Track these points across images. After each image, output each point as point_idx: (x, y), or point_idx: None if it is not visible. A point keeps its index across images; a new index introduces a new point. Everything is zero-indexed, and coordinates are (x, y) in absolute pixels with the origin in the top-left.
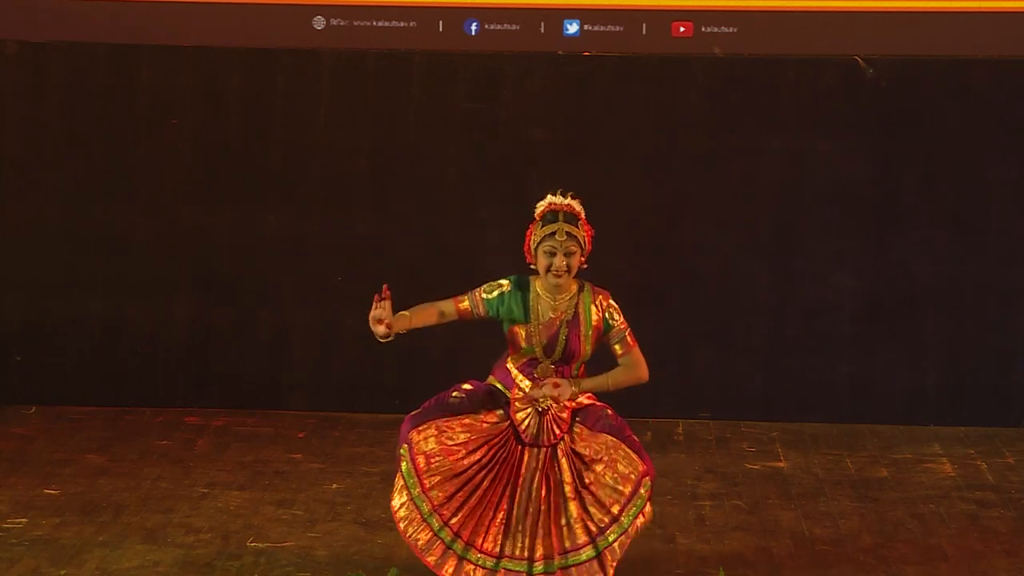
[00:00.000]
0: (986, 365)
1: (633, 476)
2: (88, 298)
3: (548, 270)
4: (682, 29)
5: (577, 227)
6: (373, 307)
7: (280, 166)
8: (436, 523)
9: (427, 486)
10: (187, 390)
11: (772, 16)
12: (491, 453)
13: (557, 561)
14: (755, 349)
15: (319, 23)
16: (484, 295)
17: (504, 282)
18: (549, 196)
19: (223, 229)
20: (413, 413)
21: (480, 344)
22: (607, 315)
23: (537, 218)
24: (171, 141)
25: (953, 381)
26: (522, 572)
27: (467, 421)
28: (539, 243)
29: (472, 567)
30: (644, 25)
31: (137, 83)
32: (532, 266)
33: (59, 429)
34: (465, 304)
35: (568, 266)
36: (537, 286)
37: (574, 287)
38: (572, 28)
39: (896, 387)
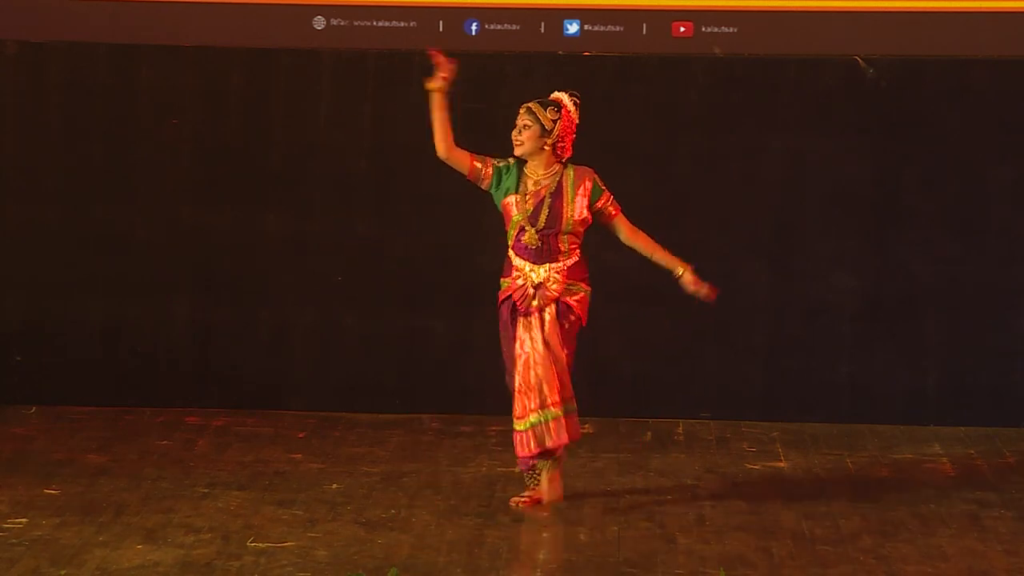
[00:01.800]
0: (986, 365)
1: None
2: (88, 298)
3: (514, 141)
4: (682, 29)
5: (544, 110)
6: (442, 67)
7: (280, 166)
8: (556, 410)
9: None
10: (187, 390)
11: (772, 16)
12: (524, 336)
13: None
14: (755, 349)
15: (319, 23)
16: (495, 161)
17: (510, 159)
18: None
19: (223, 229)
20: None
21: (480, 344)
22: (592, 190)
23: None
24: (171, 141)
25: (953, 381)
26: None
27: (519, 348)
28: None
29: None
30: (644, 25)
31: (137, 83)
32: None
33: (59, 429)
34: (479, 163)
35: (521, 139)
36: (529, 165)
37: (558, 166)
38: (572, 28)
39: (896, 387)
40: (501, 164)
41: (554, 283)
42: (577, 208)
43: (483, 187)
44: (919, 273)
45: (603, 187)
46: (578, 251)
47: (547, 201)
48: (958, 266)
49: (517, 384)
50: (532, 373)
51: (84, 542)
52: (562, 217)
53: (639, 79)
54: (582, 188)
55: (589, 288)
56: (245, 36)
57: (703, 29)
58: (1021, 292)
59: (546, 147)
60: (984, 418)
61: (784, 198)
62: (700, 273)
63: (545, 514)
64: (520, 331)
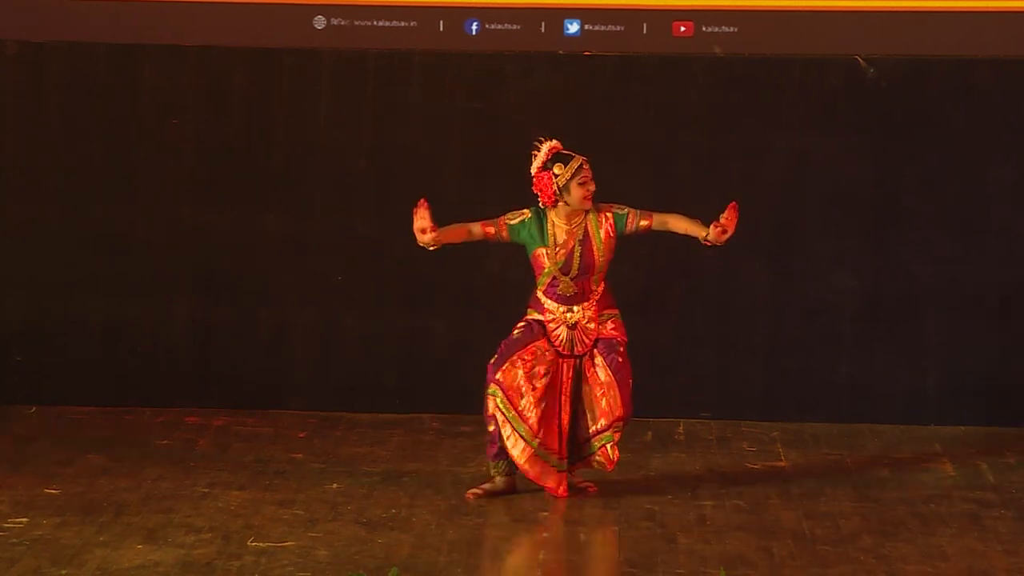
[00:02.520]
0: (986, 365)
1: (610, 415)
2: (89, 298)
3: (584, 198)
4: (683, 29)
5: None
6: (415, 219)
7: (281, 166)
8: (535, 441)
9: (520, 408)
10: (188, 390)
11: (773, 16)
12: (551, 372)
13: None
14: (756, 349)
15: (320, 23)
16: (508, 221)
17: (525, 211)
18: (545, 144)
19: (224, 229)
20: (493, 360)
21: (480, 344)
22: (617, 223)
23: (549, 162)
24: (172, 141)
25: (953, 381)
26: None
27: (532, 349)
28: (572, 177)
29: (546, 465)
30: (645, 25)
31: (138, 83)
32: (545, 206)
33: (60, 429)
34: (491, 229)
35: (589, 192)
36: (552, 215)
37: (582, 213)
38: (573, 28)
39: (896, 387)
40: (515, 222)
41: (589, 321)
42: (605, 251)
43: (502, 241)
44: (920, 273)
45: (623, 209)
46: (603, 283)
47: (577, 250)
48: (958, 266)
49: (531, 405)
50: (545, 412)
51: (85, 542)
52: (594, 263)
53: (639, 79)
54: (605, 226)
55: (617, 310)
56: (246, 36)
57: (703, 29)
58: (1021, 292)
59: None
60: (984, 418)
61: (785, 198)
62: (700, 273)
63: (546, 513)
64: (549, 359)
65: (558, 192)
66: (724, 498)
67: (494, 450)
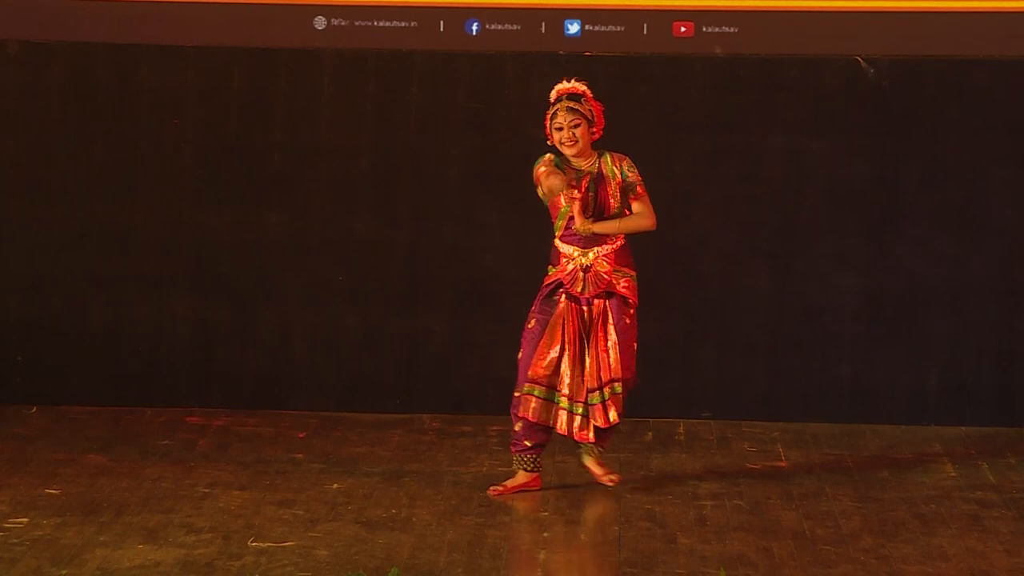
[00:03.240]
0: (987, 365)
1: (607, 374)
2: (89, 298)
3: (560, 143)
4: (683, 29)
5: (579, 103)
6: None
7: (281, 166)
8: (541, 391)
9: (540, 382)
10: (188, 390)
11: (773, 16)
12: (567, 329)
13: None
14: (756, 349)
15: (320, 23)
16: (548, 163)
17: (548, 155)
18: (560, 84)
19: (224, 229)
20: (520, 355)
21: (481, 344)
22: (623, 168)
23: (551, 102)
24: (172, 141)
25: (954, 381)
26: (575, 412)
27: (547, 333)
28: (550, 122)
29: (555, 407)
30: (645, 25)
31: (137, 83)
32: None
33: (60, 429)
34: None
35: (575, 136)
36: (566, 159)
37: (594, 155)
38: (573, 28)
39: (897, 387)
40: (554, 162)
41: (603, 264)
42: (618, 196)
43: None
44: (920, 273)
45: (631, 171)
46: (623, 236)
47: (591, 188)
48: (959, 266)
49: (563, 367)
50: (570, 367)
51: (85, 542)
52: (609, 203)
53: (640, 79)
54: (617, 173)
55: (634, 272)
56: (246, 36)
57: (704, 29)
58: (1022, 292)
59: (592, 137)
60: (985, 418)
61: (785, 198)
62: (700, 273)
63: (546, 513)
64: (559, 323)
65: (549, 133)
66: (724, 498)
67: (520, 446)
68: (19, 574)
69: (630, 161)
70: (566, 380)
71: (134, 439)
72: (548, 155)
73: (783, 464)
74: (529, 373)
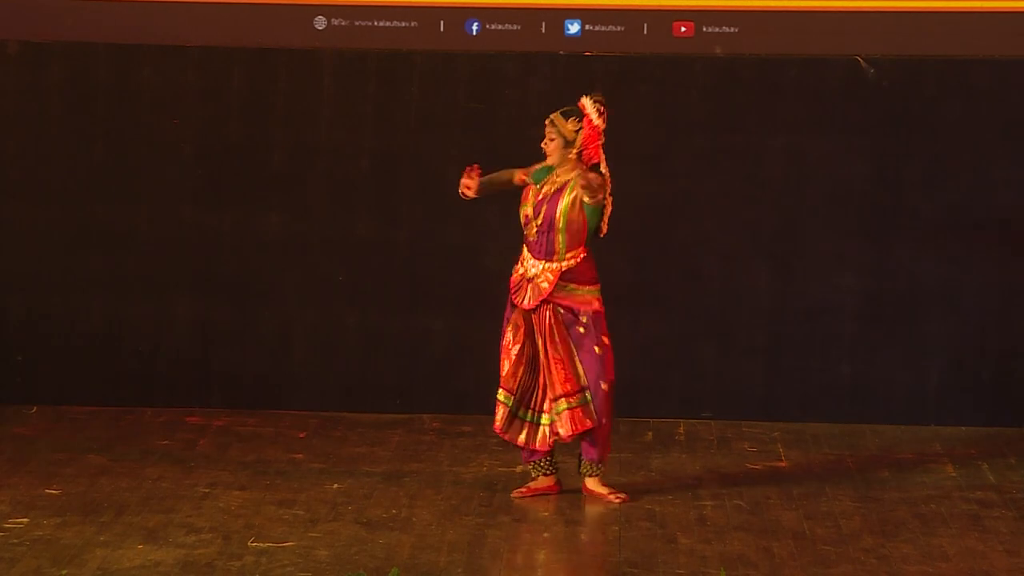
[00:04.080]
0: (987, 365)
1: (576, 383)
2: (89, 298)
3: (547, 154)
4: (683, 29)
5: (566, 121)
6: (465, 176)
7: (281, 166)
8: (506, 397)
9: (509, 388)
10: (188, 390)
11: (773, 16)
12: (526, 332)
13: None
14: (756, 349)
15: (320, 23)
16: (531, 168)
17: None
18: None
19: (224, 229)
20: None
21: (481, 344)
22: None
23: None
24: (172, 141)
25: (954, 381)
26: (540, 424)
27: (511, 327)
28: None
29: (517, 420)
30: (645, 25)
31: (138, 83)
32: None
33: (60, 429)
34: (521, 176)
35: (549, 151)
36: (556, 168)
37: (572, 173)
38: (573, 28)
39: (897, 387)
40: (535, 168)
41: (545, 281)
42: (567, 212)
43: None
44: (920, 273)
45: (593, 198)
46: (581, 253)
47: (547, 200)
48: (959, 266)
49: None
50: (522, 371)
51: (85, 542)
52: (554, 218)
53: (640, 79)
54: (575, 192)
55: (596, 286)
56: (246, 36)
57: (704, 29)
58: (1021, 292)
59: (571, 156)
60: (985, 418)
61: (785, 198)
62: (700, 273)
63: (546, 513)
64: (521, 323)
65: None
66: (724, 498)
67: (526, 453)
68: (19, 574)
69: (588, 190)
70: (533, 392)
71: (134, 439)
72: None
73: (783, 464)
74: (503, 378)
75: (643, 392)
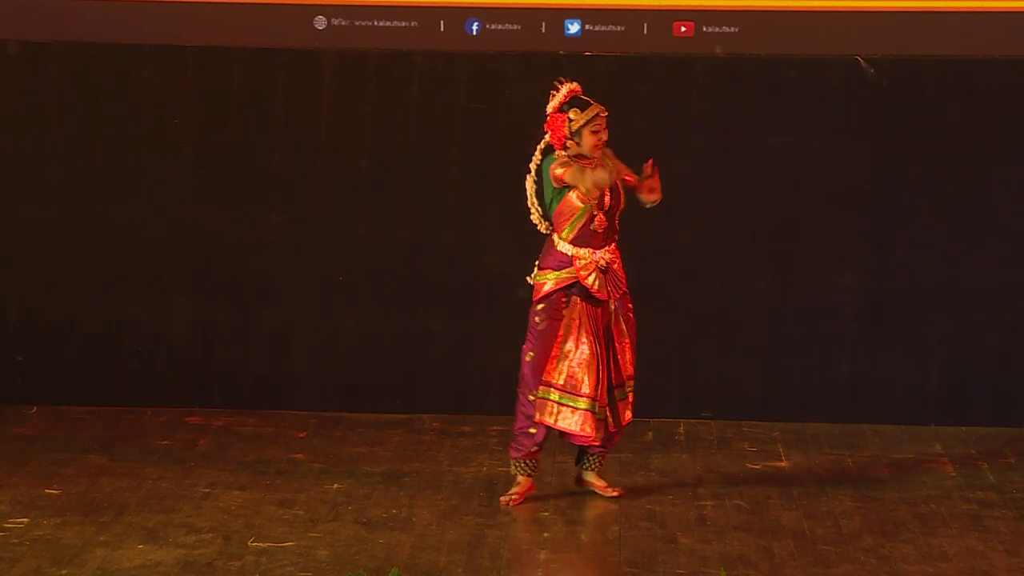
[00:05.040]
0: (987, 365)
1: (628, 370)
2: (89, 298)
3: (594, 146)
4: (683, 29)
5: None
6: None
7: (281, 166)
8: (595, 406)
9: (581, 390)
10: (188, 390)
11: (773, 16)
12: (586, 328)
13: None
14: (756, 349)
15: (320, 23)
16: (560, 167)
17: (561, 154)
18: (565, 85)
19: (224, 229)
20: (529, 358)
21: (480, 344)
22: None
23: (562, 103)
24: (172, 141)
25: (954, 381)
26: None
27: (561, 332)
28: (585, 124)
29: (585, 413)
30: (645, 25)
31: (137, 83)
32: (564, 150)
33: (60, 429)
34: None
35: (601, 144)
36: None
37: (602, 159)
38: (573, 28)
39: (897, 387)
40: (573, 169)
41: (616, 265)
42: (621, 187)
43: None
44: (920, 273)
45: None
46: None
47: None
48: (959, 266)
49: (578, 365)
50: (590, 367)
51: (85, 542)
52: (621, 195)
53: (640, 79)
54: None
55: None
56: (246, 36)
57: (704, 29)
58: (1022, 292)
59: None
60: (985, 418)
61: (785, 198)
62: (700, 273)
63: (546, 513)
64: (576, 323)
65: (569, 136)
66: (724, 498)
67: (523, 452)
68: (19, 574)
69: (621, 168)
70: (586, 381)
71: (134, 439)
72: (559, 152)
73: (783, 464)
74: (544, 376)
75: (643, 392)
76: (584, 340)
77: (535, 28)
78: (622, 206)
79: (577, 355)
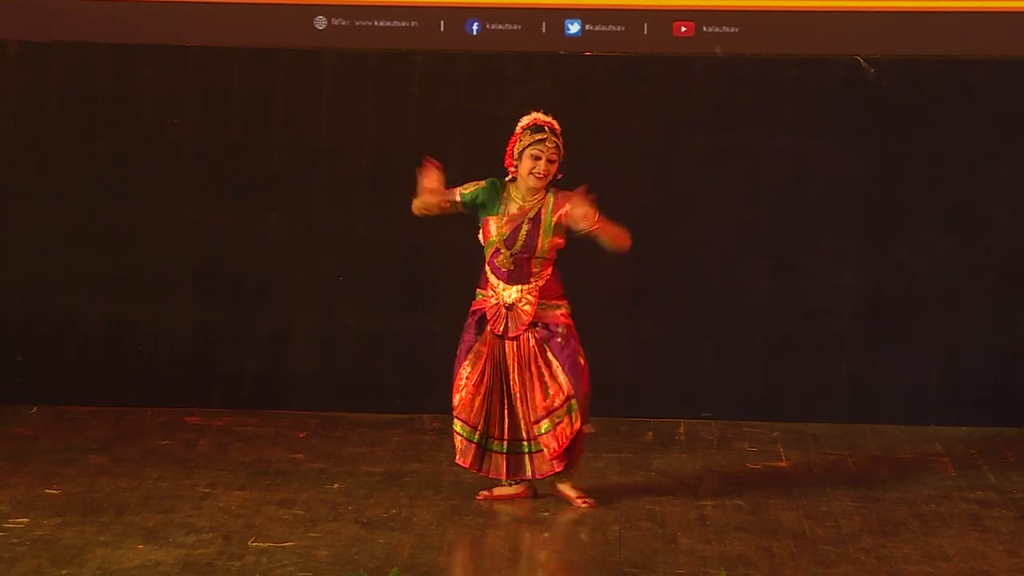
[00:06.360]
0: (988, 365)
1: (549, 403)
2: (89, 298)
3: (531, 172)
4: (683, 29)
5: (559, 140)
6: (424, 177)
7: (281, 166)
8: (469, 432)
9: (467, 419)
10: (188, 390)
11: (773, 16)
12: (489, 362)
13: (531, 434)
14: (756, 349)
15: (320, 23)
16: (461, 191)
17: (481, 182)
18: (533, 112)
19: (224, 229)
20: (455, 373)
21: None
22: (571, 210)
23: (522, 127)
24: (172, 141)
25: (954, 381)
26: (522, 453)
27: (471, 356)
28: (527, 147)
29: (493, 454)
30: (645, 25)
31: (137, 83)
32: (511, 171)
33: (60, 429)
34: (453, 196)
35: (547, 172)
36: (510, 188)
37: (543, 192)
38: (573, 28)
39: (897, 387)
40: (469, 191)
41: (526, 304)
42: (553, 236)
43: (456, 209)
44: (920, 273)
45: (582, 216)
46: (550, 270)
47: (524, 227)
48: (959, 266)
49: (460, 397)
50: (482, 399)
51: (85, 542)
52: (537, 245)
53: (640, 79)
54: (559, 213)
55: (565, 301)
56: (246, 36)
57: (704, 29)
58: (1021, 292)
59: (557, 177)
60: (985, 418)
61: (785, 198)
62: (700, 273)
63: (546, 513)
64: (485, 351)
65: (515, 156)
66: (725, 498)
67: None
68: (19, 574)
69: (574, 204)
70: (500, 422)
71: (134, 439)
72: (483, 181)
73: (783, 464)
74: (456, 408)
75: (643, 392)
76: (492, 380)
77: (535, 28)
78: (538, 249)
79: (488, 397)
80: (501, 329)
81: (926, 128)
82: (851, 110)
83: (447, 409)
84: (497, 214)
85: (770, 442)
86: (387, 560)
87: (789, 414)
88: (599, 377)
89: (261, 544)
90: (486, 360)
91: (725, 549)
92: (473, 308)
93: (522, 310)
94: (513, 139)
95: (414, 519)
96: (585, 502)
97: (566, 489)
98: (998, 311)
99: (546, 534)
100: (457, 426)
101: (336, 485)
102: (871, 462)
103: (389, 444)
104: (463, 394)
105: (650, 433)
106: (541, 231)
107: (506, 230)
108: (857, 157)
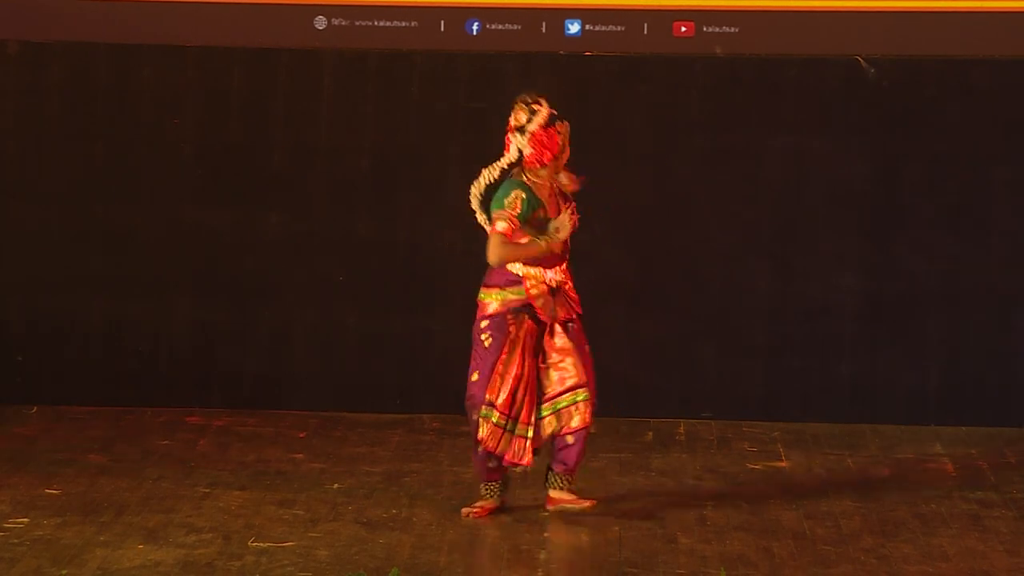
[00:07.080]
0: (988, 365)
1: (581, 376)
2: (89, 298)
3: (557, 159)
4: (683, 29)
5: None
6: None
7: (281, 166)
8: (502, 421)
9: (514, 414)
10: (188, 390)
11: (774, 16)
12: (529, 349)
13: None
14: (756, 349)
15: (320, 23)
16: (512, 214)
17: (516, 191)
18: (541, 104)
19: (224, 229)
20: (475, 378)
21: None
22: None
23: (548, 118)
24: (172, 141)
25: (955, 381)
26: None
27: (506, 350)
28: (552, 138)
29: (520, 439)
30: (645, 25)
31: (137, 83)
32: (541, 164)
33: (60, 429)
34: (517, 224)
35: (561, 159)
36: (530, 175)
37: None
38: (573, 28)
39: (898, 387)
40: (522, 207)
41: (567, 284)
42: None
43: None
44: (920, 273)
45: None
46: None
47: (559, 204)
48: (959, 266)
49: (518, 393)
50: (531, 390)
51: (85, 542)
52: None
53: (640, 79)
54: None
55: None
56: (246, 36)
57: (704, 29)
58: (1021, 292)
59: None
60: (985, 418)
61: (785, 198)
62: (700, 273)
63: (546, 513)
64: (522, 345)
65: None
66: (725, 498)
67: (485, 474)
68: (19, 574)
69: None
70: (524, 405)
71: (134, 439)
72: (514, 190)
73: (783, 464)
74: (488, 395)
75: (643, 392)
76: (527, 362)
77: (535, 28)
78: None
79: (519, 376)
80: (549, 315)
81: (926, 128)
82: (851, 110)
83: (447, 409)
84: (543, 205)
85: (770, 442)
86: (387, 560)
87: (789, 414)
88: (599, 377)
89: (261, 544)
90: (524, 350)
91: (725, 549)
92: (495, 312)
93: (567, 292)
94: (549, 136)
95: (414, 519)
96: (586, 503)
97: (563, 495)
98: (998, 311)
99: (546, 534)
100: (494, 416)
101: (336, 485)
102: (871, 462)
103: (389, 444)
104: (508, 390)
105: (650, 433)
106: (572, 207)
107: (552, 213)
108: (857, 157)
